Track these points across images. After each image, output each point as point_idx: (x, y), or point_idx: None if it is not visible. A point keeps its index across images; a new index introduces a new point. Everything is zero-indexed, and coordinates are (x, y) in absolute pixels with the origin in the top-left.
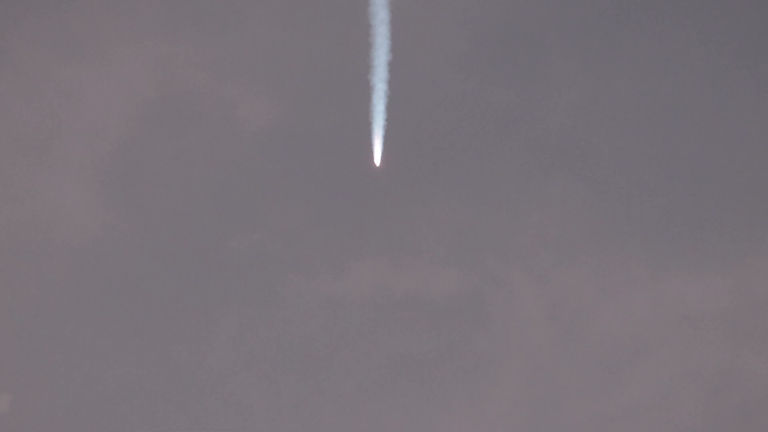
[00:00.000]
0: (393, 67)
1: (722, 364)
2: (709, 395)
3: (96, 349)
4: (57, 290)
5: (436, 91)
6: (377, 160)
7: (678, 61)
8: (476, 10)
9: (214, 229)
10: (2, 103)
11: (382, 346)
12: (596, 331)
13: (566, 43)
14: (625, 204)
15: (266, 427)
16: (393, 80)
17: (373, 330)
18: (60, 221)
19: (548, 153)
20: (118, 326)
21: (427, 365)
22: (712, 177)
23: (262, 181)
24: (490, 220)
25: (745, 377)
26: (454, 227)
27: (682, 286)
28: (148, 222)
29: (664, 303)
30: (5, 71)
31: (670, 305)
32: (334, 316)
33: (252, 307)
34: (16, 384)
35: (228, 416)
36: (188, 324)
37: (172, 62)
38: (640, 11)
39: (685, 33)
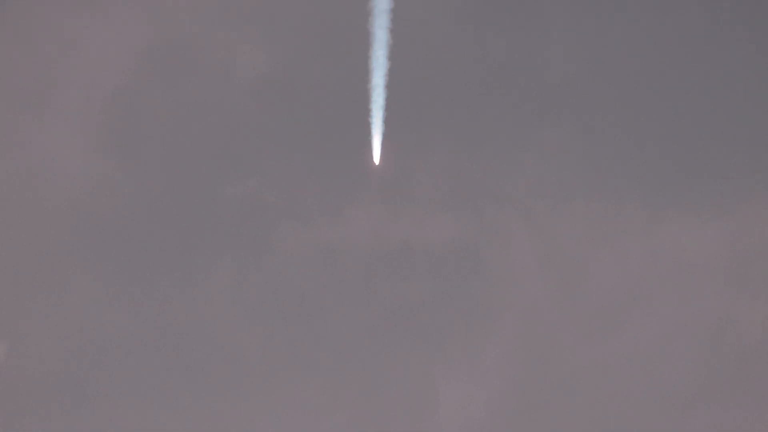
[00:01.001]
0: (391, 15)
1: (719, 311)
2: (706, 343)
3: (90, 297)
4: (52, 238)
5: (432, 39)
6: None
7: (674, 5)
8: None
9: (209, 177)
10: None
11: (377, 293)
12: (592, 278)
13: None
14: (621, 151)
15: (261, 374)
16: (391, 29)
17: (368, 277)
18: (55, 169)
19: (544, 101)
20: (112, 274)
21: (422, 313)
22: (708, 124)
23: (258, 129)
24: (486, 167)
25: (742, 325)
26: (449, 175)
27: (678, 233)
28: (142, 169)
29: (660, 251)
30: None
31: (667, 253)
32: (329, 263)
33: (247, 254)
34: (11, 333)
35: (223, 363)
36: (183, 271)
37: (169, 10)
38: None
39: None
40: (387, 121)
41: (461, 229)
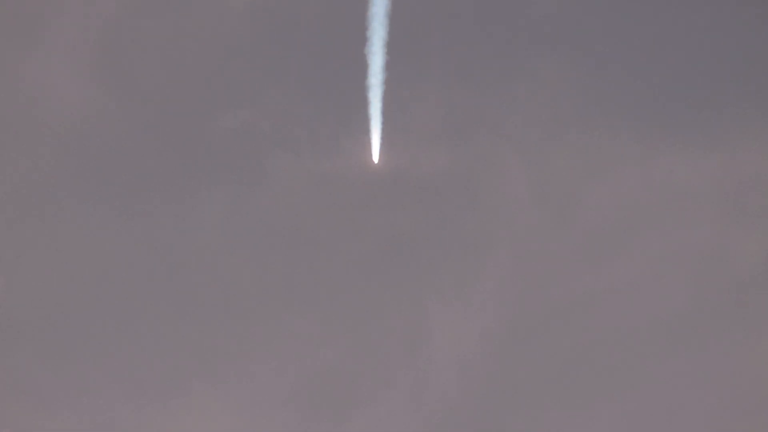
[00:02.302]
0: None
1: (713, 242)
2: (698, 273)
3: (84, 230)
4: (46, 169)
5: None
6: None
7: None
8: None
9: (202, 107)
10: None
11: (371, 224)
12: (585, 209)
13: None
14: (615, 81)
15: (254, 306)
16: None
17: (362, 208)
18: (49, 99)
19: (538, 31)
20: (106, 204)
21: (415, 245)
22: (703, 53)
23: (251, 59)
24: (480, 98)
25: (735, 255)
26: (443, 106)
27: (672, 163)
28: (135, 101)
29: (653, 181)
30: None
31: (660, 183)
32: (322, 194)
33: (240, 186)
34: (4, 265)
35: (217, 295)
36: (175, 203)
37: None
38: None
39: None
40: (380, 53)
41: (455, 160)
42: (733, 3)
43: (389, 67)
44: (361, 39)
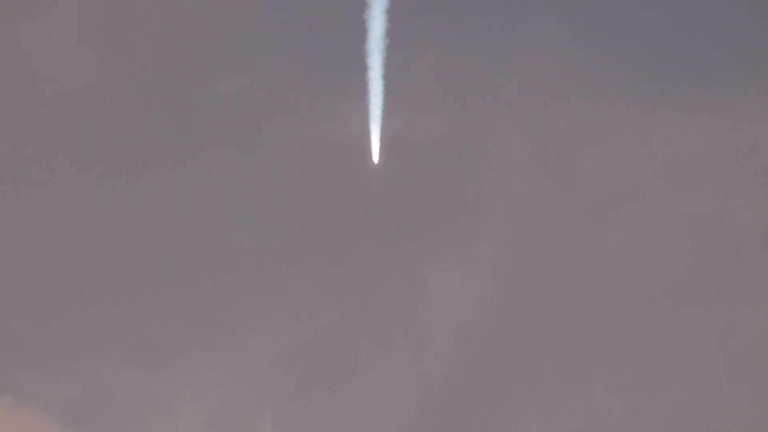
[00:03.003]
0: None
1: (711, 206)
2: (696, 238)
3: (81, 194)
4: (44, 131)
5: None
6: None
7: None
8: None
9: (201, 73)
10: None
11: (369, 190)
12: (583, 175)
13: None
14: (613, 47)
15: (252, 271)
16: None
17: (360, 174)
18: (46, 68)
19: None
20: (102, 170)
21: (413, 210)
22: (702, 19)
23: (250, 25)
24: (478, 64)
25: (733, 219)
26: (442, 72)
27: (670, 130)
28: (135, 65)
29: (651, 147)
30: None
31: (658, 149)
32: (320, 160)
33: (238, 151)
34: (2, 230)
35: (215, 259)
36: (174, 168)
37: None
38: None
39: None
40: (379, 19)
41: (453, 126)
42: None
43: (388, 33)
44: (360, 5)
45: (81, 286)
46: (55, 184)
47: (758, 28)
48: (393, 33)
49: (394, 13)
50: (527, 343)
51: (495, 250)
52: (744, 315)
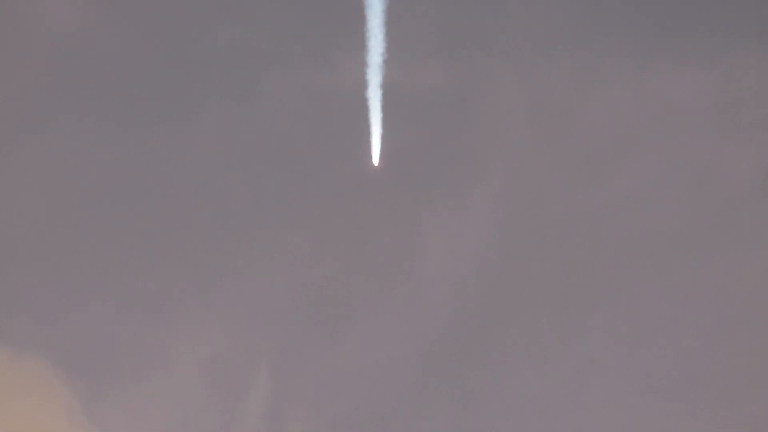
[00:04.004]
0: None
1: (707, 158)
2: (692, 189)
3: (78, 146)
4: (39, 89)
5: None
6: None
7: None
8: None
9: (195, 24)
10: None
11: (365, 140)
12: (579, 126)
13: None
14: None
15: (248, 222)
16: None
17: (356, 124)
18: (42, 19)
19: None
20: (98, 122)
21: (410, 161)
22: None
23: None
24: (474, 14)
25: (729, 171)
26: (439, 22)
27: (666, 80)
28: (129, 18)
29: (647, 97)
30: None
31: (654, 100)
32: (316, 110)
33: (233, 102)
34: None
35: (210, 212)
36: (169, 120)
37: None
38: None
39: None
40: None
41: (450, 76)
42: None
43: None
44: None
45: (78, 236)
46: (52, 134)
47: None
48: None
49: None
50: (524, 294)
51: (491, 200)
52: (741, 264)
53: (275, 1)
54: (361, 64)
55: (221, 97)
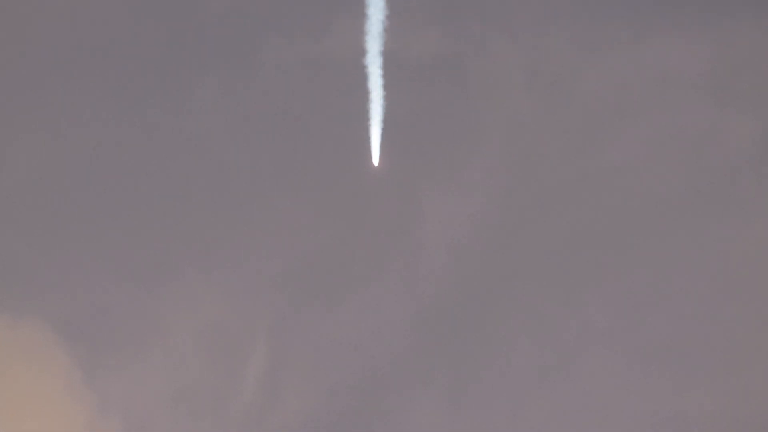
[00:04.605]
0: None
1: (705, 124)
2: (691, 156)
3: (76, 116)
4: (35, 64)
5: None
6: None
7: None
8: None
9: None
10: None
11: (363, 108)
12: (577, 93)
13: None
14: None
15: (246, 191)
16: None
17: (354, 92)
18: None
19: None
20: (97, 91)
21: (408, 128)
22: None
23: None
24: None
25: (726, 137)
26: None
27: (664, 46)
28: None
29: (646, 64)
30: None
31: (653, 66)
32: (314, 79)
33: (231, 70)
34: None
35: (208, 180)
36: (168, 88)
37: None
38: None
39: None
40: None
41: (448, 43)
42: None
43: None
44: None
45: (76, 206)
46: (49, 104)
47: None
48: None
49: None
50: (521, 262)
51: (489, 168)
52: (738, 232)
53: None
54: (361, 32)
55: (218, 65)
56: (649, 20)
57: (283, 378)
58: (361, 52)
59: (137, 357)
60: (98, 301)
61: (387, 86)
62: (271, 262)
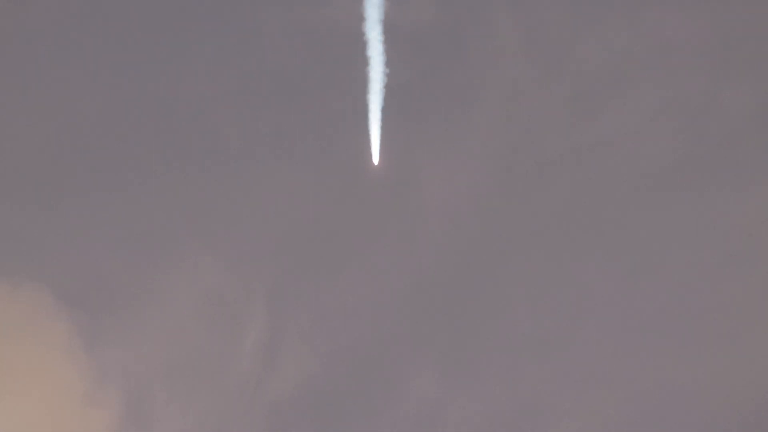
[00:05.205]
0: None
1: (703, 92)
2: (688, 125)
3: (75, 85)
4: (37, 24)
5: None
6: None
7: None
8: None
9: None
10: None
11: (361, 75)
12: (575, 61)
13: None
14: None
15: (244, 159)
16: None
17: (352, 59)
18: None
19: None
20: (95, 58)
21: (405, 96)
22: None
23: None
24: None
25: (724, 107)
26: None
27: (662, 15)
28: None
29: (644, 33)
30: None
31: (650, 35)
32: (312, 46)
33: (229, 38)
34: None
35: (205, 149)
36: (167, 55)
37: None
38: None
39: None
40: None
41: (446, 11)
42: None
43: None
44: None
45: (74, 172)
46: (51, 69)
47: None
48: None
49: None
50: (519, 229)
51: (487, 135)
52: (736, 199)
53: None
54: (358, 1)
55: (217, 33)
56: None
57: (281, 345)
58: (360, 19)
59: (136, 324)
60: (97, 268)
61: (385, 54)
62: (270, 231)
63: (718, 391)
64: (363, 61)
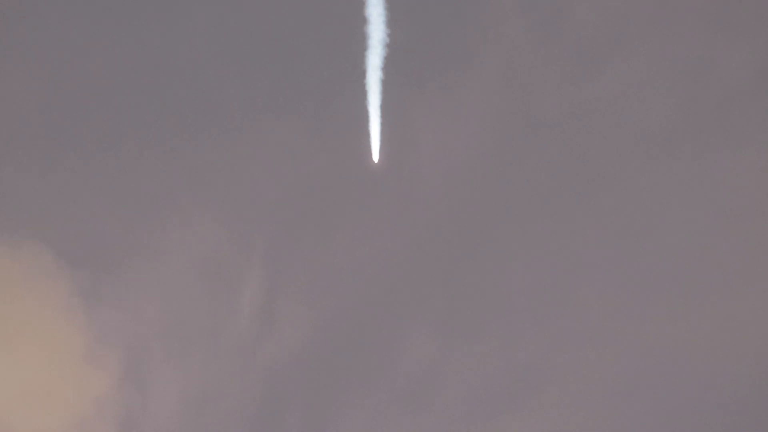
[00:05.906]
0: None
1: (700, 53)
2: (685, 86)
3: (72, 42)
4: None
5: None
6: None
7: None
8: None
9: None
10: None
11: (358, 34)
12: (572, 22)
13: None
14: None
15: (240, 117)
16: None
17: (350, 19)
18: None
19: None
20: (92, 19)
21: (402, 55)
22: None
23: None
24: None
25: (722, 67)
26: None
27: None
28: None
29: None
30: None
31: None
32: (310, 6)
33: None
34: None
35: (202, 107)
36: (161, 17)
37: None
38: None
39: None
40: None
41: None
42: None
43: None
44: None
45: (70, 132)
46: (47, 30)
47: None
48: None
49: None
50: (515, 189)
51: (483, 95)
52: (734, 160)
53: None
54: None
55: None
56: None
57: (278, 306)
58: None
59: (132, 282)
60: (94, 228)
61: (383, 16)
62: (266, 191)
63: (717, 349)
64: (360, 24)
